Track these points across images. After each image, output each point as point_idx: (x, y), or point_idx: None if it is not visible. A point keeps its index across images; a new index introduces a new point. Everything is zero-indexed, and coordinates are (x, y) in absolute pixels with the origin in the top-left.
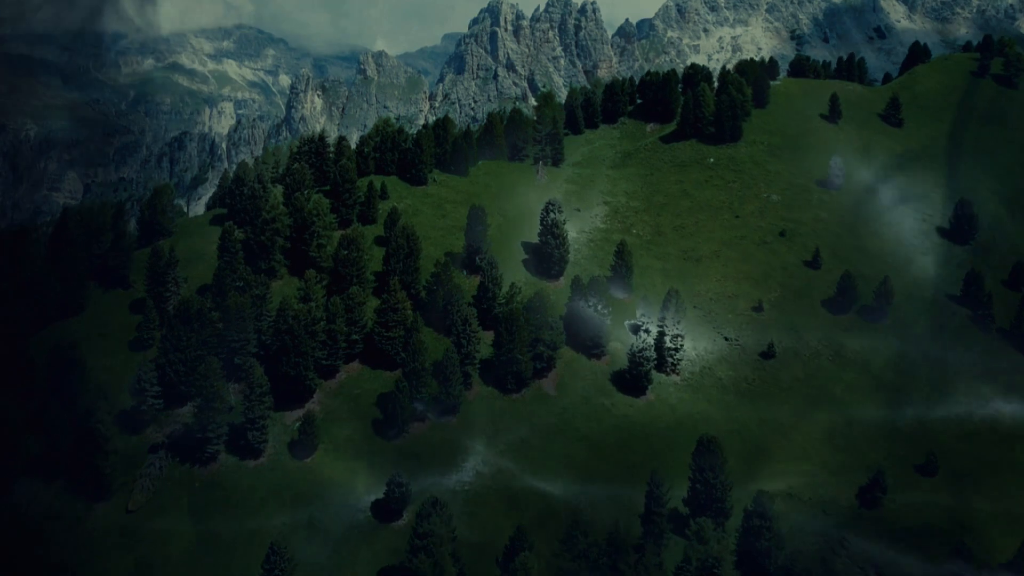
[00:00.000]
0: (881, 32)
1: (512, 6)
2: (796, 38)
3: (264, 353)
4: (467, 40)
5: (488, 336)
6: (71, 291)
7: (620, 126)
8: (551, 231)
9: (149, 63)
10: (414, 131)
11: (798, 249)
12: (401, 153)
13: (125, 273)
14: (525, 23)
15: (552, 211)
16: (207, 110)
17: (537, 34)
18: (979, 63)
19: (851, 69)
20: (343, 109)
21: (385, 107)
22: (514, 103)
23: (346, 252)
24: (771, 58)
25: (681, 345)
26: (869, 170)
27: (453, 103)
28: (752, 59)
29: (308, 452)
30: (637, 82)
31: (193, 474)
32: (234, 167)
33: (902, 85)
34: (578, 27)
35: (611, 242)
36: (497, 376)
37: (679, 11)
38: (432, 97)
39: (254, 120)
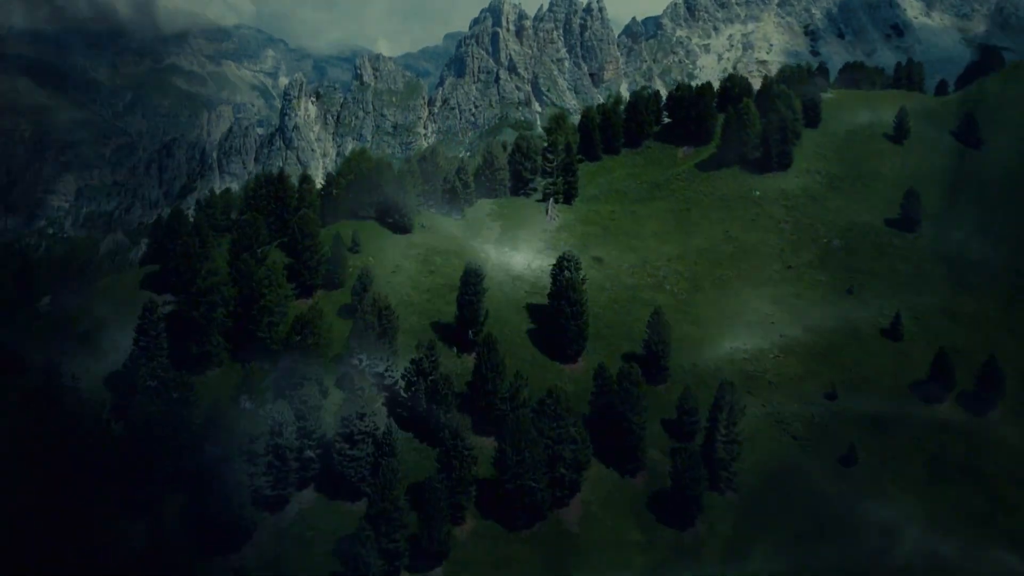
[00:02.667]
0: (898, 29)
1: (514, 5)
2: (810, 34)
3: (183, 477)
4: (467, 41)
5: (487, 444)
6: None
7: (645, 150)
8: (565, 295)
9: (147, 64)
10: (412, 139)
11: (871, 312)
12: (380, 194)
13: (17, 352)
14: (528, 23)
15: (567, 268)
16: (205, 113)
17: (541, 34)
18: None
19: (910, 76)
20: (338, 116)
21: (382, 114)
22: (517, 107)
23: (299, 338)
24: (820, 64)
25: (739, 453)
26: (951, 204)
27: (453, 108)
28: (799, 66)
29: None
30: (664, 97)
31: None
32: (224, 179)
33: (971, 97)
34: (583, 27)
35: (639, 302)
36: (501, 507)
37: (688, 8)
38: (431, 103)
39: (247, 128)
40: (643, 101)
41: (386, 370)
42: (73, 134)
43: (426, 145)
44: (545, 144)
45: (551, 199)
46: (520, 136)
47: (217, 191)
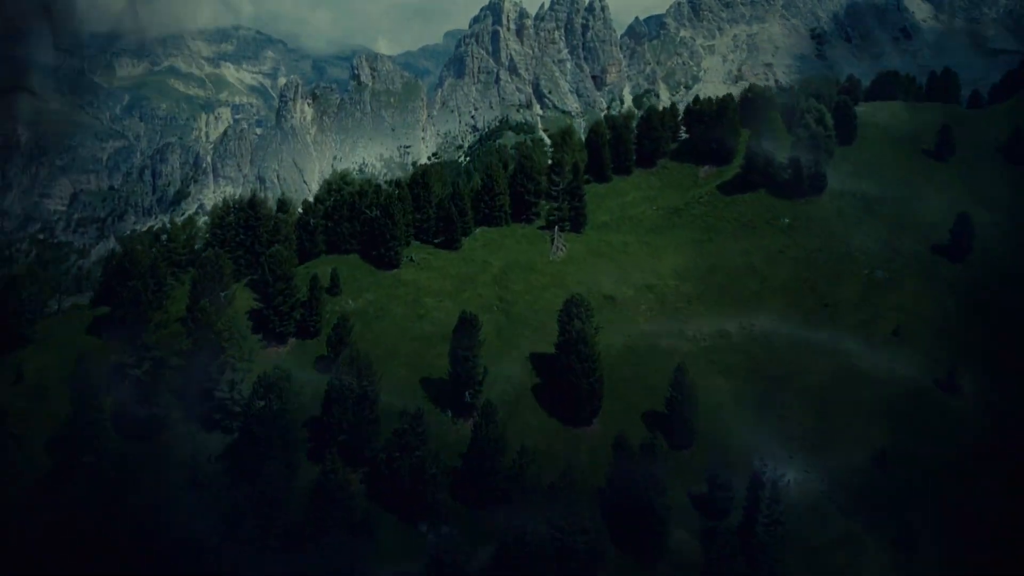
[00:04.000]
0: (907, 32)
1: (515, 3)
2: (816, 37)
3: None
4: (467, 40)
5: (485, 518)
6: None
7: (661, 171)
8: (575, 348)
9: (144, 66)
10: (408, 146)
11: (920, 359)
12: (364, 223)
13: None
14: (529, 22)
15: (576, 315)
16: (203, 115)
17: (542, 34)
18: None
19: (946, 86)
20: (335, 118)
21: (380, 115)
22: (518, 110)
23: (263, 403)
24: (851, 76)
25: (783, 535)
26: (1007, 232)
27: (452, 111)
28: (828, 76)
29: None
30: (681, 111)
31: None
32: (219, 183)
33: (1020, 109)
34: (585, 27)
35: (659, 352)
36: None
37: (692, 8)
38: (430, 104)
39: (241, 131)
40: (658, 115)
41: (366, 441)
42: (70, 137)
43: (424, 148)
44: (549, 160)
45: (556, 227)
46: (523, 155)
47: (212, 196)
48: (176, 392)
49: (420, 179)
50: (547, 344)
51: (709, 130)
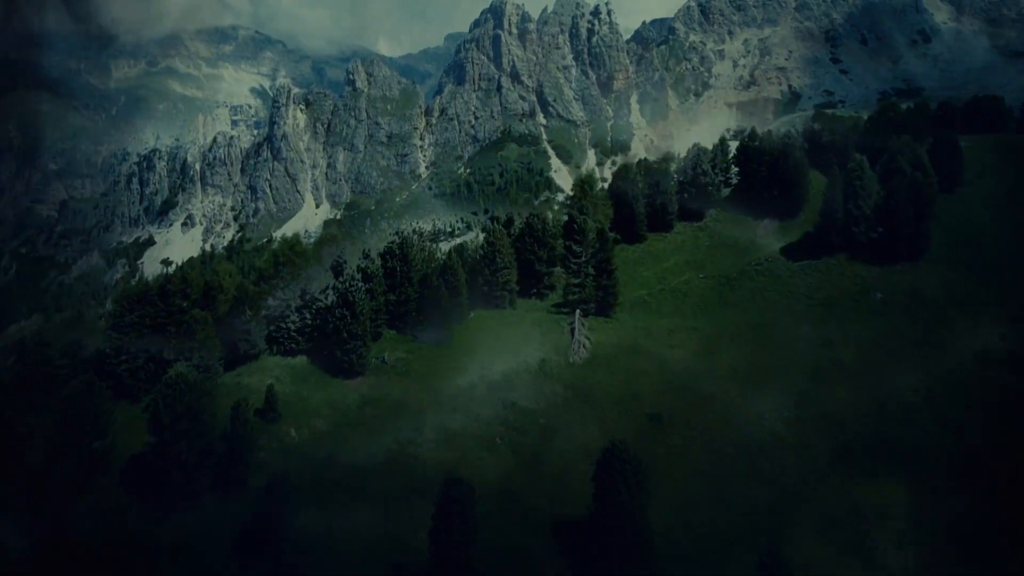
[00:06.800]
0: (925, 35)
1: (517, 6)
2: (831, 40)
3: None
4: (467, 45)
5: None
6: None
7: (709, 225)
8: (612, 510)
9: (141, 67)
10: (407, 151)
11: None
12: (316, 315)
13: None
14: (532, 26)
15: (618, 465)
16: (200, 117)
17: (546, 39)
18: None
19: None
20: (328, 126)
21: (376, 123)
22: (521, 119)
23: None
24: (946, 102)
25: None
26: None
27: (451, 119)
28: (923, 101)
29: None
30: (732, 152)
31: None
32: (208, 192)
33: None
34: (591, 32)
35: (730, 508)
36: None
37: (702, 11)
38: (429, 112)
39: (231, 137)
40: (705, 156)
41: None
42: (64, 141)
43: (423, 161)
44: (565, 216)
45: (578, 312)
46: (532, 215)
47: (200, 206)
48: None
49: (397, 250)
50: (574, 502)
51: (770, 173)
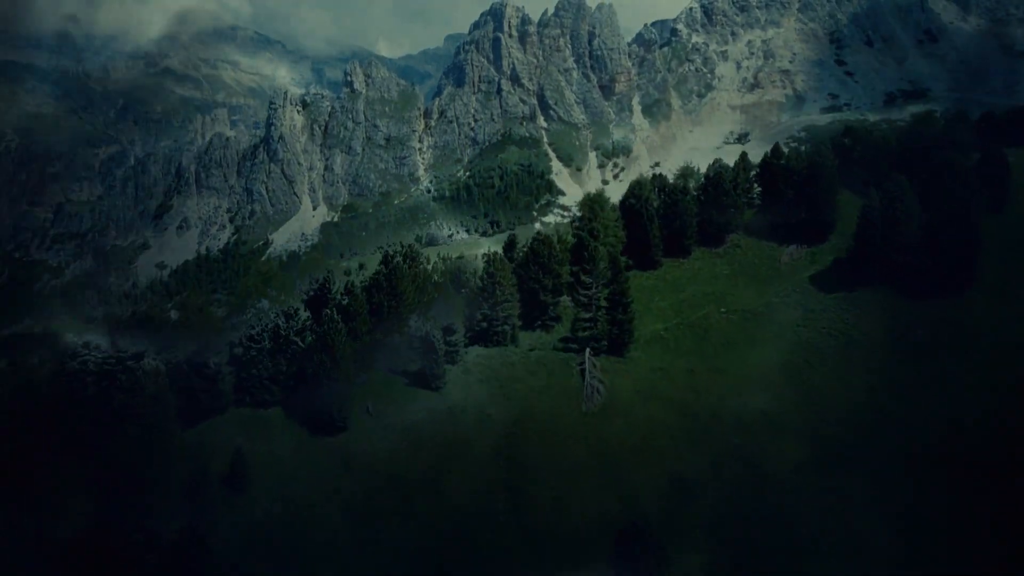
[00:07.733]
0: (932, 35)
1: (517, 8)
2: (836, 41)
3: None
4: (467, 47)
5: None
6: None
7: (729, 251)
8: None
9: (139, 68)
10: (406, 153)
11: None
12: (290, 359)
13: None
14: (532, 28)
15: (638, 550)
16: (199, 118)
17: (546, 41)
18: None
19: None
20: (325, 127)
21: (374, 125)
22: (521, 122)
23: None
24: (988, 113)
25: None
26: None
27: (451, 121)
28: (961, 111)
29: None
30: (756, 166)
31: None
32: (204, 194)
33: None
34: (592, 34)
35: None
36: None
37: (705, 13)
38: (428, 114)
39: (227, 139)
40: (728, 174)
41: None
42: (62, 143)
43: (422, 164)
44: (572, 238)
45: (588, 352)
46: (538, 238)
47: (196, 209)
48: None
49: (384, 281)
50: None
51: (797, 193)
